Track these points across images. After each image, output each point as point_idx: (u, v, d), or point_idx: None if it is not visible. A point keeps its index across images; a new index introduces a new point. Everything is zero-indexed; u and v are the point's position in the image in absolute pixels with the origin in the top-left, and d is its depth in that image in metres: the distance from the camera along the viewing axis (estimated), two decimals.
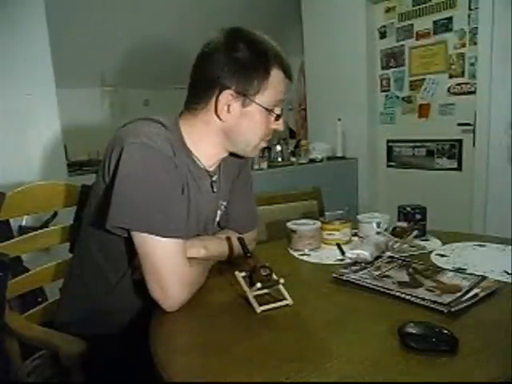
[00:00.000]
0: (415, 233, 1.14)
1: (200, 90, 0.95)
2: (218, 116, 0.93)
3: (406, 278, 0.90)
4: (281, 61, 0.94)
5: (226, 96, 0.91)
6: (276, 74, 0.94)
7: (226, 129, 0.95)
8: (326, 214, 1.29)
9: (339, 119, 3.21)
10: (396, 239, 1.11)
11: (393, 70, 3.06)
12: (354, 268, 0.97)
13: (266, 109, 0.94)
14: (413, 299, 0.79)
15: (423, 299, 0.78)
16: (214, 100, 0.92)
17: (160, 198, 0.83)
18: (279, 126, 0.99)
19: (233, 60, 0.90)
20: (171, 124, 0.94)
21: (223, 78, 0.91)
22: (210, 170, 1.01)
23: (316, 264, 1.06)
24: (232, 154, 1.04)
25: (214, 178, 1.02)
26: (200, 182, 0.98)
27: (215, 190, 1.03)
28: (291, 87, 4.32)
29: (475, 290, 0.81)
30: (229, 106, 0.92)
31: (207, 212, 1.03)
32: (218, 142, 0.98)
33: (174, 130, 0.94)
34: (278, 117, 0.98)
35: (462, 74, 2.67)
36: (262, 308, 0.79)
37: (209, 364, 0.65)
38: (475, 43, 2.55)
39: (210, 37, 0.94)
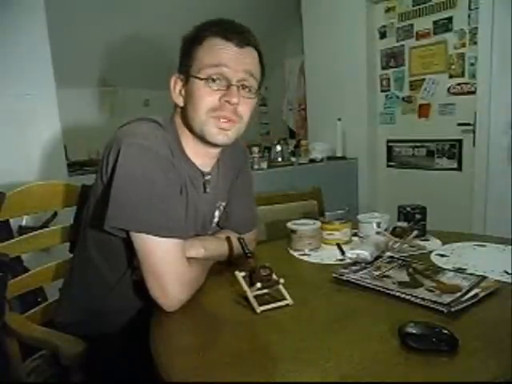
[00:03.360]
0: (415, 233, 1.14)
1: None
2: (175, 102, 0.95)
3: (406, 278, 0.90)
4: (220, 28, 0.90)
5: (174, 79, 0.95)
6: (211, 41, 0.90)
7: (185, 114, 0.95)
8: (326, 214, 1.29)
9: (339, 119, 3.21)
10: (396, 239, 1.11)
11: (393, 69, 3.06)
12: (354, 268, 0.97)
13: (199, 77, 0.88)
14: (413, 299, 0.79)
15: (423, 299, 0.78)
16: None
17: (158, 198, 0.83)
18: (228, 96, 0.88)
19: (182, 45, 0.94)
20: (168, 124, 0.94)
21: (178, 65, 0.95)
22: (205, 170, 1.00)
23: (316, 264, 1.06)
24: (231, 155, 1.03)
25: (206, 178, 1.01)
26: (196, 183, 0.98)
27: (208, 190, 1.02)
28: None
29: (475, 290, 0.81)
30: (177, 87, 0.95)
31: (204, 212, 1.03)
32: (192, 135, 0.96)
33: (170, 130, 0.94)
34: (232, 87, 0.88)
35: (462, 74, 2.66)
36: (262, 308, 0.79)
37: (208, 364, 0.65)
38: (475, 43, 2.54)
39: None
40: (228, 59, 0.89)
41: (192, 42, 0.91)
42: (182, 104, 0.94)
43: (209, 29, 0.91)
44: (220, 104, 0.90)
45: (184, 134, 0.96)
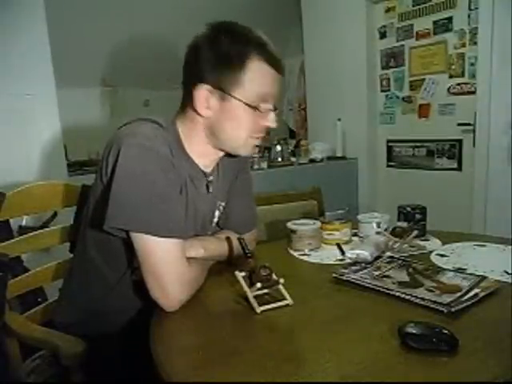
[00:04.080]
0: (415, 233, 1.14)
1: (186, 86, 0.94)
2: (196, 112, 0.92)
3: (406, 278, 0.90)
4: (264, 52, 0.89)
5: (202, 91, 0.89)
6: (257, 66, 0.88)
7: (210, 125, 0.93)
8: (326, 214, 1.29)
9: (339, 119, 3.21)
10: (396, 239, 1.11)
11: (393, 69, 3.06)
12: (354, 268, 0.97)
13: (249, 105, 0.90)
14: (413, 299, 0.79)
15: (423, 299, 0.78)
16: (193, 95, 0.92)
17: (158, 198, 0.83)
18: (270, 122, 0.94)
19: (211, 53, 0.88)
20: (168, 124, 0.94)
21: (202, 72, 0.89)
22: (207, 170, 1.01)
23: (316, 264, 1.06)
24: (230, 155, 1.04)
25: (209, 179, 1.01)
26: (197, 183, 0.98)
27: (210, 190, 1.02)
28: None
29: (475, 290, 0.81)
30: (208, 101, 0.90)
31: (204, 212, 1.03)
32: (206, 140, 0.96)
33: (171, 130, 0.94)
34: (270, 112, 0.93)
35: (462, 74, 2.66)
36: (262, 308, 0.79)
37: (208, 364, 0.65)
38: (475, 43, 2.54)
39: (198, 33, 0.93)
40: (275, 90, 0.92)
41: (231, 60, 0.88)
42: (208, 116, 0.92)
43: (252, 47, 0.88)
44: (260, 127, 0.94)
45: (194, 136, 0.95)
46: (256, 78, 0.89)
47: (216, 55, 0.88)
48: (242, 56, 0.88)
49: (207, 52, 0.89)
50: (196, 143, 0.96)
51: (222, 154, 1.01)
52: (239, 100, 0.89)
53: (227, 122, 0.92)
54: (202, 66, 0.89)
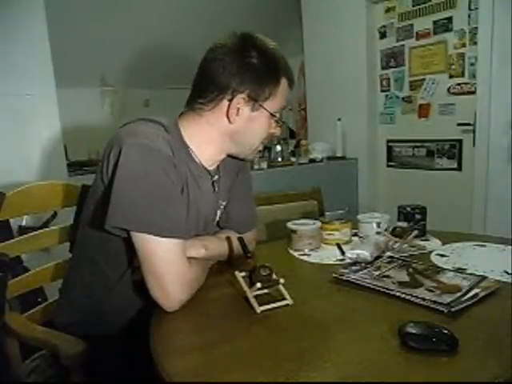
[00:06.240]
0: (415, 233, 1.14)
1: (209, 91, 0.94)
2: (228, 118, 0.95)
3: (406, 278, 0.90)
4: (288, 70, 0.98)
5: (239, 100, 0.93)
6: (285, 83, 0.98)
7: (231, 131, 0.96)
8: (326, 213, 1.29)
9: (339, 119, 3.21)
10: (396, 239, 1.11)
11: (393, 69, 3.06)
12: (354, 268, 0.97)
13: (272, 114, 0.97)
14: (413, 299, 0.79)
15: (423, 299, 0.78)
16: (225, 102, 0.93)
17: (159, 197, 0.83)
18: (279, 130, 1.03)
19: (246, 65, 0.92)
20: (170, 124, 0.94)
21: (236, 83, 0.92)
22: (210, 169, 1.01)
23: (316, 264, 1.06)
24: (231, 156, 1.04)
25: (214, 178, 1.03)
26: (200, 182, 0.98)
27: (216, 189, 1.03)
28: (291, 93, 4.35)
29: (475, 290, 0.81)
30: (238, 109, 0.94)
31: (207, 212, 1.03)
32: (221, 144, 0.98)
33: (173, 131, 0.94)
34: (279, 122, 1.01)
35: (462, 74, 2.66)
36: (262, 308, 0.79)
37: (208, 364, 0.65)
38: (475, 43, 2.54)
39: (222, 40, 0.95)
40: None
41: (267, 75, 0.94)
42: (235, 123, 0.95)
43: (282, 66, 0.97)
44: (268, 134, 1.03)
45: (205, 138, 0.97)
46: (282, 93, 0.98)
47: (252, 69, 0.93)
48: (277, 74, 0.96)
49: (240, 63, 0.92)
50: (209, 145, 0.98)
51: (225, 156, 1.03)
52: (267, 111, 0.96)
53: (251, 129, 0.98)
54: (235, 77, 0.92)
